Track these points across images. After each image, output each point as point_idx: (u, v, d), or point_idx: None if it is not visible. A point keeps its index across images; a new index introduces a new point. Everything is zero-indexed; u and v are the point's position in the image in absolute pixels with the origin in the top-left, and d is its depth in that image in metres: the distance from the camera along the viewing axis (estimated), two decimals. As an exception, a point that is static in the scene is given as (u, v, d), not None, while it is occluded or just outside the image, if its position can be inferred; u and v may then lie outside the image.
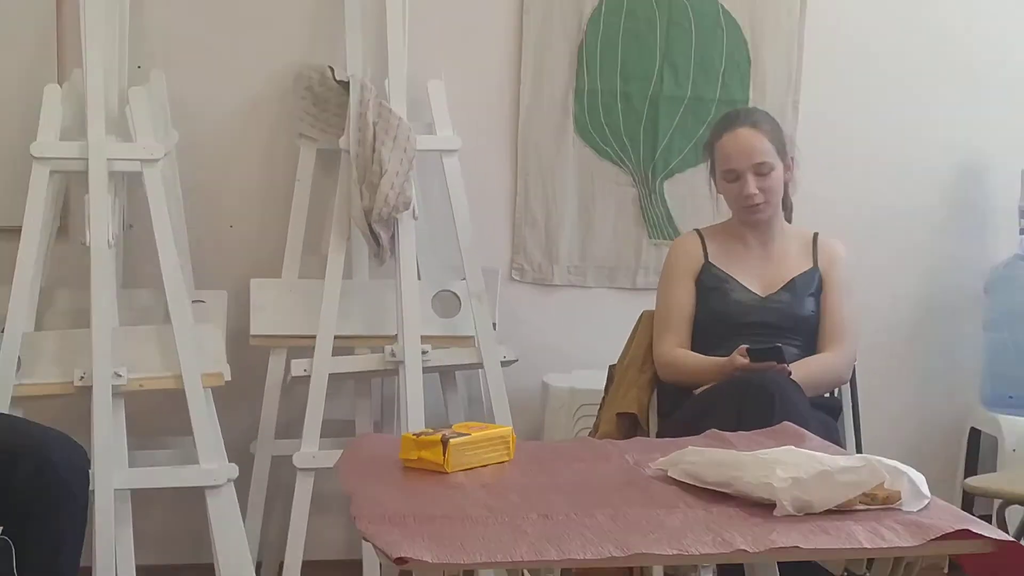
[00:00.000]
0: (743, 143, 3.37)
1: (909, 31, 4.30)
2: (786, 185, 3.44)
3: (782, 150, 3.40)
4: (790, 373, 3.16)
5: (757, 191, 3.36)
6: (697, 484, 2.37)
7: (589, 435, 3.50)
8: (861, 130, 4.27)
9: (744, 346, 3.19)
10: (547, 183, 4.18)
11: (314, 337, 3.71)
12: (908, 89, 4.30)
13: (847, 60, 4.27)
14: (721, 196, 3.48)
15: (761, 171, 3.37)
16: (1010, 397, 4.16)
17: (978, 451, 4.28)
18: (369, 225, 3.67)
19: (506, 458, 2.58)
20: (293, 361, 3.75)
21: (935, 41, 4.31)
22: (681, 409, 3.29)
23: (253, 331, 3.79)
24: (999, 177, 4.33)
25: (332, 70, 3.86)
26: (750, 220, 3.43)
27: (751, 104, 4.15)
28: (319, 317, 3.70)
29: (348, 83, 3.73)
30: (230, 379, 3.50)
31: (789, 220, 3.55)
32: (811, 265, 3.46)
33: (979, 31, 4.32)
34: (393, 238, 3.73)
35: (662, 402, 3.43)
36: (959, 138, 4.34)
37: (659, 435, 3.30)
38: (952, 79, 4.32)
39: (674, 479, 2.42)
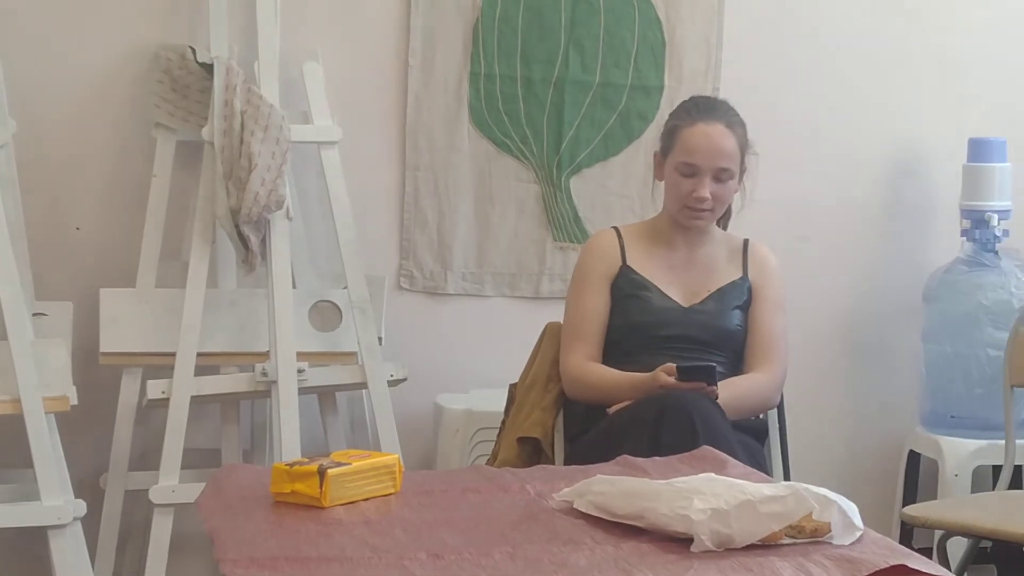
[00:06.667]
0: (715, 142, 3.39)
1: (840, 13, 4.37)
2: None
3: (743, 158, 3.44)
4: (717, 396, 3.20)
5: (709, 196, 3.39)
6: (606, 517, 2.38)
7: (487, 463, 3.50)
8: (786, 121, 4.33)
9: (671, 364, 3.21)
10: (439, 179, 4.18)
11: (173, 355, 3.67)
12: (839, 76, 4.38)
13: (772, 43, 4.34)
14: (660, 183, 3.50)
15: (721, 177, 3.40)
16: (952, 417, 4.24)
17: (917, 476, 4.35)
18: (237, 227, 3.65)
19: (391, 490, 2.58)
20: (149, 382, 3.71)
21: (869, 21, 4.39)
22: (590, 432, 3.31)
23: (103, 348, 3.75)
24: (938, 174, 4.42)
25: (193, 51, 3.83)
26: (687, 224, 3.45)
27: (666, 91, 4.19)
28: (179, 332, 3.67)
29: (212, 66, 3.71)
30: (76, 403, 3.46)
31: (724, 228, 3.58)
32: (740, 274, 3.50)
33: (917, 13, 4.40)
34: (264, 241, 3.71)
35: (569, 424, 3.45)
36: (895, 131, 4.42)
37: (566, 462, 3.32)
38: (887, 65, 4.40)
39: (581, 512, 2.43)
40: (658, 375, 3.22)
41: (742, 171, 3.45)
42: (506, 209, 4.22)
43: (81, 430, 3.73)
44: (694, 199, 3.39)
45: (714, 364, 3.25)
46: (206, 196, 3.71)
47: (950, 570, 3.39)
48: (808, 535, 2.25)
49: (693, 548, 2.21)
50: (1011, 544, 3.76)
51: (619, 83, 4.23)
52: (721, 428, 3.10)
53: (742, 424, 3.34)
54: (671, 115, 3.55)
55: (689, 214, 3.43)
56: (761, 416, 3.52)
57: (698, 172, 3.39)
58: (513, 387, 3.57)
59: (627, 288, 3.46)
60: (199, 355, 3.69)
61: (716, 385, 3.20)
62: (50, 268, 3.86)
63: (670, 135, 3.46)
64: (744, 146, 3.44)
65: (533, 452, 3.39)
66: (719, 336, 3.43)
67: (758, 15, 4.32)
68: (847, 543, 2.26)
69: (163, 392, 3.68)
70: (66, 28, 3.89)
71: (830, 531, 2.26)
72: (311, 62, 3.86)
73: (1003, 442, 3.82)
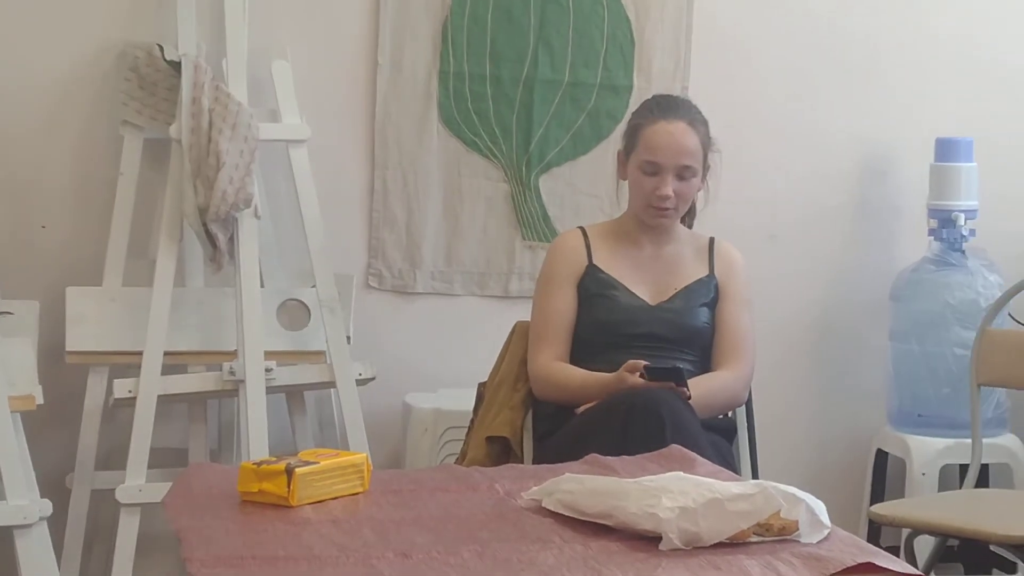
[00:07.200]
0: (677, 139, 3.40)
1: (807, 15, 4.38)
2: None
3: (706, 156, 3.45)
4: (690, 397, 3.20)
5: (672, 194, 3.39)
6: (575, 516, 2.38)
7: (456, 462, 3.50)
8: (755, 121, 4.34)
9: (644, 363, 3.21)
10: (408, 178, 4.17)
11: (140, 353, 3.66)
12: (808, 76, 4.39)
13: (741, 43, 4.34)
14: (624, 183, 3.51)
15: (683, 175, 3.41)
16: (919, 415, 4.25)
17: (885, 475, 4.37)
18: (204, 225, 3.64)
19: (360, 489, 2.57)
20: (116, 381, 3.70)
21: (836, 22, 4.40)
22: (559, 431, 3.31)
23: (69, 347, 3.73)
24: (906, 174, 4.43)
25: (161, 48, 3.81)
26: (651, 222, 3.46)
27: (635, 90, 4.20)
28: (146, 330, 3.65)
29: (179, 63, 3.69)
30: (42, 402, 3.44)
31: (690, 227, 3.59)
32: (707, 272, 3.51)
33: (881, 15, 4.42)
34: (232, 240, 3.69)
35: (538, 424, 3.45)
36: (863, 131, 4.43)
37: (534, 461, 3.32)
38: (855, 65, 4.41)
39: (549, 510, 2.43)
40: (624, 377, 3.23)
41: (705, 169, 3.46)
42: (475, 208, 4.22)
43: (47, 429, 3.72)
44: (657, 197, 3.40)
45: (681, 367, 3.26)
46: (174, 194, 3.69)
47: (917, 568, 3.41)
48: (776, 533, 2.26)
49: (662, 546, 2.21)
50: (977, 542, 3.78)
51: (588, 82, 4.23)
52: (690, 426, 3.11)
53: (710, 422, 3.35)
54: (633, 114, 3.56)
55: (653, 212, 3.44)
56: (729, 414, 3.52)
57: (661, 170, 3.39)
58: (482, 386, 3.57)
59: (594, 287, 3.46)
60: (166, 354, 3.68)
61: (686, 386, 3.21)
62: (16, 266, 3.84)
63: (632, 134, 3.47)
64: (707, 144, 3.44)
65: (502, 451, 3.39)
66: (686, 334, 3.43)
67: (727, 15, 4.33)
68: (815, 541, 2.27)
69: (130, 391, 3.67)
70: (32, 25, 3.87)
71: (798, 529, 2.27)
72: (280, 60, 3.85)
73: (970, 441, 3.83)
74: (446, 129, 4.18)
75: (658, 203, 3.41)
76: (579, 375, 3.37)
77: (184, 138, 3.63)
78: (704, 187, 3.50)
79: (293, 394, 3.91)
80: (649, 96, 3.77)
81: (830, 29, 4.39)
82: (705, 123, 3.47)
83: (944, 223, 4.24)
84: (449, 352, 4.19)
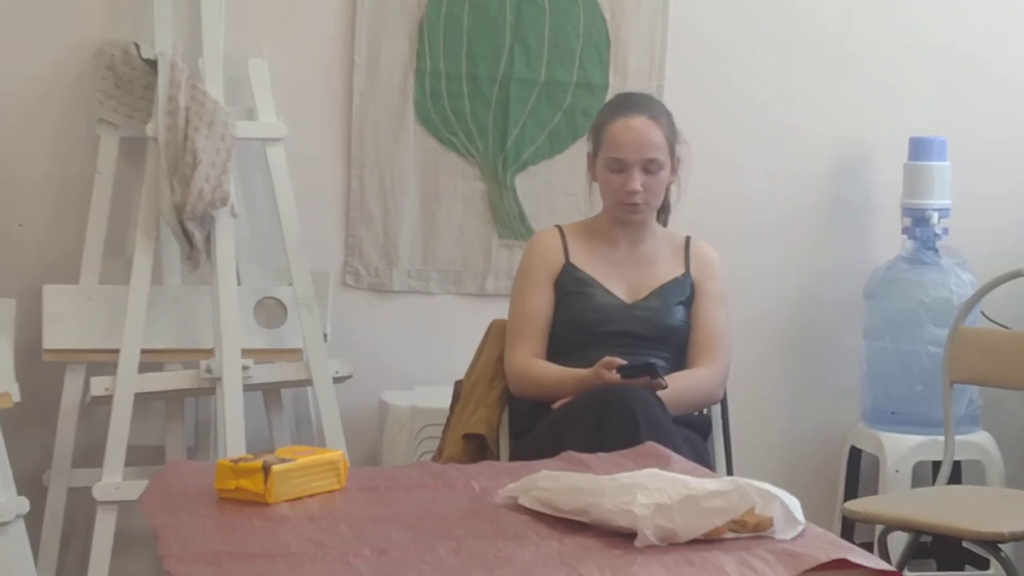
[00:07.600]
0: (639, 134, 3.41)
1: (781, 14, 4.40)
2: (667, 188, 3.50)
3: (672, 149, 3.45)
4: (666, 387, 3.21)
5: (640, 188, 3.40)
6: (551, 512, 2.38)
7: (432, 459, 3.50)
8: (730, 121, 4.35)
9: (618, 361, 3.22)
10: (385, 177, 4.17)
11: (117, 351, 3.65)
12: (782, 75, 4.40)
13: (716, 42, 4.35)
14: (596, 184, 3.52)
15: (650, 168, 3.41)
16: (892, 413, 4.26)
17: (859, 472, 4.39)
18: (181, 223, 3.63)
19: (336, 486, 2.58)
20: (93, 379, 3.69)
21: (810, 22, 4.41)
22: (535, 429, 3.31)
23: (46, 345, 3.72)
24: (879, 172, 4.45)
25: (137, 46, 3.81)
26: (625, 218, 3.47)
27: (611, 89, 4.21)
28: (123, 328, 3.64)
29: (156, 62, 3.69)
30: (19, 400, 3.44)
31: (665, 224, 3.60)
32: (683, 271, 3.52)
33: (855, 14, 4.44)
34: (209, 238, 3.69)
35: (514, 421, 3.46)
36: (837, 130, 4.45)
37: (511, 458, 3.32)
38: (829, 64, 4.43)
39: (525, 507, 2.43)
40: (600, 372, 3.23)
41: (674, 162, 3.46)
42: (452, 206, 4.22)
43: (24, 427, 3.71)
44: (626, 192, 3.41)
45: (653, 362, 3.26)
46: (150, 192, 3.69)
47: (890, 564, 3.42)
48: (751, 529, 2.27)
49: (637, 543, 2.22)
50: (950, 538, 3.79)
51: (564, 81, 4.23)
52: (663, 422, 3.12)
53: (685, 419, 3.36)
54: (597, 114, 3.58)
55: (625, 209, 3.44)
56: (704, 411, 3.53)
57: (627, 166, 3.41)
58: (458, 384, 3.57)
59: (571, 285, 3.47)
60: (143, 352, 3.67)
61: (660, 376, 3.21)
62: (-8, 264, 3.84)
63: (597, 133, 3.49)
64: (672, 137, 3.45)
65: (478, 449, 3.40)
66: (662, 332, 3.44)
67: (702, 14, 4.33)
68: (789, 537, 2.27)
69: (107, 389, 3.66)
70: (8, 23, 3.86)
71: (772, 526, 2.28)
72: (256, 59, 3.85)
73: (943, 438, 3.85)
74: (422, 128, 4.18)
75: (627, 199, 3.42)
76: (555, 371, 3.38)
77: (160, 136, 3.63)
78: (676, 180, 3.51)
79: (270, 392, 3.91)
80: (622, 95, 3.79)
81: (805, 28, 4.41)
82: (669, 116, 3.48)
83: (918, 222, 4.26)
84: (425, 350, 4.19)
